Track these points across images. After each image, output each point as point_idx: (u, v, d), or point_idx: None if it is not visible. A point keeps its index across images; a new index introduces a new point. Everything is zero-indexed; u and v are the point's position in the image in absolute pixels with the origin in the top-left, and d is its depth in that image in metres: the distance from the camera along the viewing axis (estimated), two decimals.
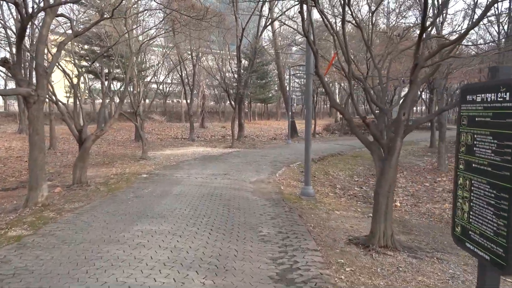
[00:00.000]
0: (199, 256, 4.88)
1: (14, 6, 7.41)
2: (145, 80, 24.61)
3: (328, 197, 9.79)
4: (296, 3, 20.51)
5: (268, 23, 26.46)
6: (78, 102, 11.15)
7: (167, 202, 7.98)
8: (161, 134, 29.38)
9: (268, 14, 26.42)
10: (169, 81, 40.17)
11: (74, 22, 12.48)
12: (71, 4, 15.50)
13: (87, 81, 21.70)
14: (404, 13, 15.17)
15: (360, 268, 4.60)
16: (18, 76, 7.48)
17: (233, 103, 23.52)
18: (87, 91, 24.02)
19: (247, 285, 4.07)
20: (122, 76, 19.56)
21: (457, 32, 12.68)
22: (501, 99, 2.24)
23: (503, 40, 18.67)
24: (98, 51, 19.54)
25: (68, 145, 21.70)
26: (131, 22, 15.52)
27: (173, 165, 14.06)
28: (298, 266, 4.62)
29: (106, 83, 14.07)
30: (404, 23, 18.91)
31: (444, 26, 13.65)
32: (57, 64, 10.60)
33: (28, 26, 16.86)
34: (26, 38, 19.97)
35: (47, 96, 9.90)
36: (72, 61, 13.39)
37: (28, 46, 15.99)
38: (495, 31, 21.36)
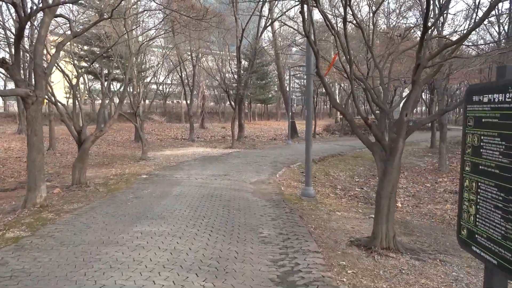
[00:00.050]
0: (199, 258, 4.82)
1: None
2: (145, 80, 24.56)
3: (329, 198, 9.74)
4: (297, 3, 20.47)
5: (268, 24, 26.42)
6: (77, 103, 11.09)
7: (166, 203, 7.92)
8: (161, 135, 29.32)
9: (268, 15, 26.38)
10: (169, 81, 40.14)
11: (73, 23, 12.44)
12: (70, 4, 15.46)
13: (86, 81, 21.67)
14: (405, 14, 15.14)
15: (362, 271, 4.54)
16: (16, 76, 7.42)
17: (233, 103, 23.47)
18: (86, 92, 23.96)
19: None
20: (121, 77, 19.52)
21: (458, 33, 12.64)
22: (510, 100, 2.18)
23: (503, 40, 18.63)
24: (98, 52, 19.50)
25: (68, 145, 21.64)
26: (131, 23, 15.47)
27: (173, 165, 14.00)
28: (300, 268, 4.56)
29: (105, 83, 14.01)
30: (405, 23, 18.88)
31: (444, 27, 13.61)
32: (56, 64, 10.57)
33: (28, 26, 16.80)
34: (26, 39, 19.93)
35: (46, 96, 9.86)
36: (72, 62, 13.32)
37: (27, 47, 15.93)
38: (496, 31, 21.33)
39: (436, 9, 11.57)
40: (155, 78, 21.21)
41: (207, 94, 42.40)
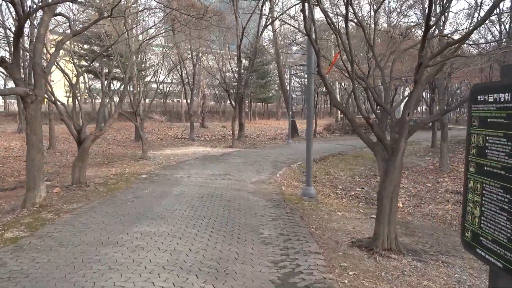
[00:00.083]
0: (199, 259, 4.77)
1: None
2: (145, 79, 24.51)
3: (330, 198, 9.69)
4: (298, 2, 20.42)
5: (268, 23, 26.34)
6: (77, 102, 11.05)
7: (166, 203, 7.88)
8: (161, 134, 29.28)
9: (269, 13, 26.32)
10: (169, 80, 40.05)
11: (73, 21, 12.39)
12: (70, 3, 15.41)
13: (86, 80, 21.62)
14: (405, 12, 15.08)
15: (364, 272, 4.49)
16: (15, 75, 7.38)
17: (233, 102, 23.42)
18: (87, 91, 23.92)
19: None
20: (122, 76, 19.47)
21: (459, 32, 12.58)
22: None
23: (504, 39, 18.56)
24: (98, 51, 19.46)
25: (68, 144, 21.61)
26: (131, 22, 15.42)
27: (173, 165, 13.96)
28: (301, 269, 4.51)
29: (105, 82, 13.97)
30: (405, 22, 18.81)
31: (445, 25, 13.55)
32: (56, 63, 10.52)
33: (27, 25, 16.75)
34: (26, 37, 19.88)
35: (46, 96, 9.82)
36: (72, 61, 13.28)
37: (28, 46, 15.88)
38: (497, 30, 21.26)
39: (438, 8, 11.52)
40: (155, 77, 21.15)
41: (208, 93, 42.38)
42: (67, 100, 26.04)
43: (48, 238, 5.55)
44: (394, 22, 12.61)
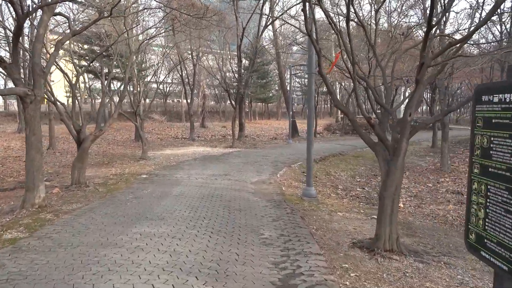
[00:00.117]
0: (199, 260, 4.73)
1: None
2: (145, 79, 24.47)
3: (330, 198, 9.65)
4: (299, 1, 20.38)
5: (269, 22, 26.31)
6: (77, 102, 11.01)
7: (166, 203, 7.84)
8: (161, 134, 29.24)
9: (269, 13, 26.27)
10: (169, 80, 40.02)
11: (73, 21, 12.35)
12: (70, 3, 15.37)
13: (86, 80, 21.58)
14: (406, 12, 15.02)
15: (365, 274, 4.45)
16: (14, 75, 7.34)
17: (233, 102, 23.38)
18: (87, 91, 23.90)
19: None
20: (121, 76, 19.44)
21: (460, 32, 12.53)
22: None
23: (505, 39, 18.52)
24: (98, 51, 19.43)
25: (68, 144, 21.58)
26: (131, 21, 15.38)
27: (173, 165, 13.92)
28: (302, 271, 4.47)
29: (105, 82, 13.94)
30: (406, 22, 18.75)
31: (446, 25, 13.50)
32: (56, 63, 10.49)
33: (27, 25, 16.68)
34: (26, 38, 19.86)
35: (46, 96, 9.78)
36: (71, 61, 13.25)
37: (28, 46, 15.85)
38: (497, 30, 21.21)
39: (439, 7, 11.46)
40: (155, 77, 21.14)
41: (208, 93, 42.34)
42: (67, 100, 26.01)
43: (47, 239, 5.51)
44: (395, 22, 12.56)
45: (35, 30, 15.12)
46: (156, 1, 16.40)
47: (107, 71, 26.24)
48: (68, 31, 10.44)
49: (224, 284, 4.06)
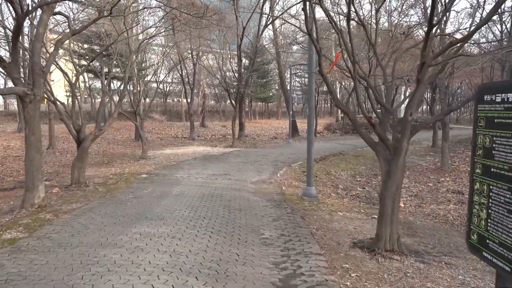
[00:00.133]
0: (199, 260, 4.72)
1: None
2: (145, 79, 24.44)
3: (331, 198, 9.63)
4: (299, 0, 20.35)
5: (269, 22, 26.27)
6: (77, 102, 10.98)
7: (166, 203, 7.82)
8: (161, 133, 29.22)
9: (269, 13, 26.24)
10: (169, 80, 39.99)
11: (73, 20, 12.32)
12: (70, 2, 15.35)
13: (86, 80, 21.56)
14: (406, 12, 14.99)
15: (366, 274, 4.44)
16: (14, 75, 7.31)
17: (233, 102, 23.36)
18: (86, 90, 23.88)
19: None
20: (121, 75, 19.42)
21: (461, 31, 12.51)
22: None
23: (505, 39, 18.49)
24: (98, 50, 19.41)
25: (68, 144, 21.55)
26: (130, 21, 15.36)
27: (173, 164, 13.90)
28: (302, 271, 4.45)
29: (105, 82, 13.91)
30: (406, 21, 18.73)
31: (447, 25, 13.47)
32: (55, 63, 10.46)
33: (27, 24, 16.65)
34: (26, 37, 19.84)
35: (46, 95, 9.75)
36: (71, 60, 13.23)
37: (27, 45, 15.83)
38: (498, 29, 21.18)
39: (439, 6, 11.43)
40: (155, 76, 21.11)
41: (208, 92, 42.30)
42: (67, 100, 26.00)
43: (47, 239, 5.49)
44: (396, 22, 12.53)
45: (35, 29, 15.11)
46: (156, 1, 16.36)
47: (107, 70, 26.20)
48: (68, 30, 10.41)
49: (224, 285, 4.04)
